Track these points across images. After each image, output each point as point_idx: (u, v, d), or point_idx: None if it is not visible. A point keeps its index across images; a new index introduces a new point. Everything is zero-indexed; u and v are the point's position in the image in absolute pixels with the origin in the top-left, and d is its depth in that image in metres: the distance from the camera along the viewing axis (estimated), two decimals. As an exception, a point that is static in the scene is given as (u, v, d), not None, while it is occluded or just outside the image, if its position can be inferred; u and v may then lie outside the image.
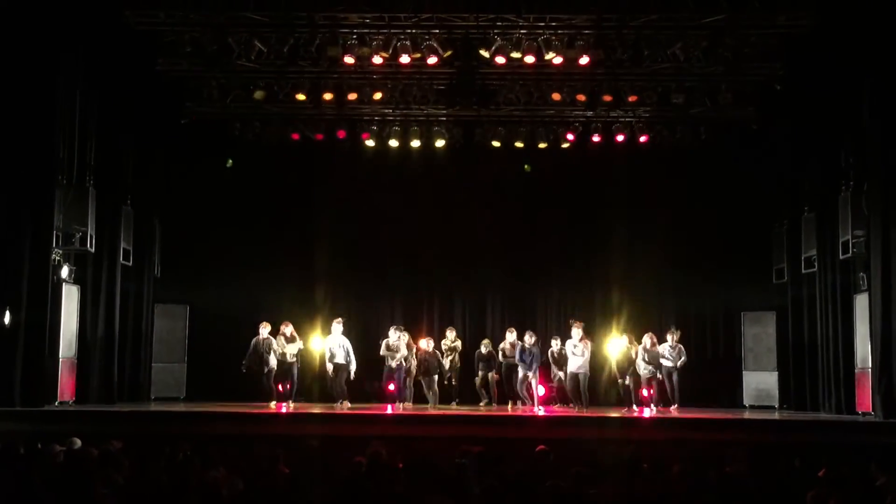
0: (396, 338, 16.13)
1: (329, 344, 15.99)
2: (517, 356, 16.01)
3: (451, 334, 17.11)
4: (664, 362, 16.04)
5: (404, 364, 16.15)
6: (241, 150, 18.48)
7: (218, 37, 15.28)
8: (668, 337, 16.27)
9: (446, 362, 16.72)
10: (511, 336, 16.44)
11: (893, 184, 13.62)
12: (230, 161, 18.82)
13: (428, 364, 16.37)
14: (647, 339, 16.01)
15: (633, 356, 15.91)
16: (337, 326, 16.04)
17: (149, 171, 17.49)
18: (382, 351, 16.17)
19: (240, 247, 18.64)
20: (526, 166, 18.93)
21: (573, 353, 15.80)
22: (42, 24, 13.79)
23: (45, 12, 13.84)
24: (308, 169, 18.92)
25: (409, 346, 16.29)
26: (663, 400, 16.03)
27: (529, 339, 16.09)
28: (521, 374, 15.98)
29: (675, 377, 16.08)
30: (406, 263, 19.06)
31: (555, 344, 16.37)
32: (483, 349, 16.70)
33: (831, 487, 6.40)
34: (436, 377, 16.47)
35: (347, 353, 15.91)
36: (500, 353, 16.51)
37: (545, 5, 14.87)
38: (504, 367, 16.51)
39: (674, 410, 15.73)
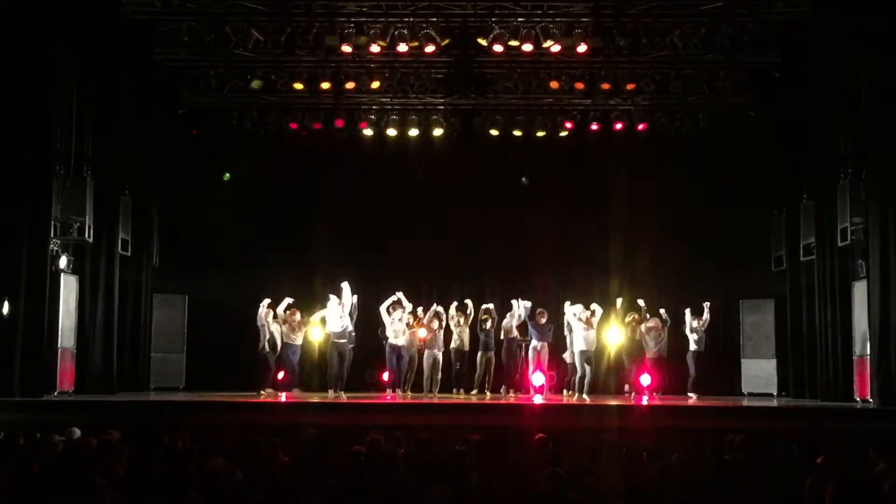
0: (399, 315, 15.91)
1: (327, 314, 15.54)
2: (532, 334, 15.82)
3: (452, 309, 16.51)
4: (692, 343, 16.05)
5: (405, 346, 15.95)
6: (239, 139, 18.45)
7: (215, 26, 15.27)
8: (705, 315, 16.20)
9: (456, 338, 16.38)
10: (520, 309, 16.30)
11: (892, 171, 13.61)
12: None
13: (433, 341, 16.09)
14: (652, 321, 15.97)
15: (643, 340, 15.82)
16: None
17: (146, 161, 17.46)
18: (383, 311, 15.79)
19: (238, 236, 18.66)
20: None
21: (581, 327, 15.50)
22: (38, 14, 13.74)
23: (40, 2, 13.79)
24: (306, 158, 18.90)
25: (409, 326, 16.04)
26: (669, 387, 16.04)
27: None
28: (531, 351, 15.79)
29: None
30: (404, 252, 19.03)
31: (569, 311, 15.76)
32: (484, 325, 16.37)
33: (830, 474, 6.40)
34: (440, 358, 16.18)
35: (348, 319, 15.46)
36: (503, 332, 16.36)
37: (543, -7, 14.88)
38: (504, 347, 16.39)
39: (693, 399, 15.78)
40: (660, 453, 7.75)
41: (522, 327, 16.22)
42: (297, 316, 15.87)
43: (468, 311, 16.46)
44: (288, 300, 15.86)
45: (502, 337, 16.31)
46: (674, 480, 6.61)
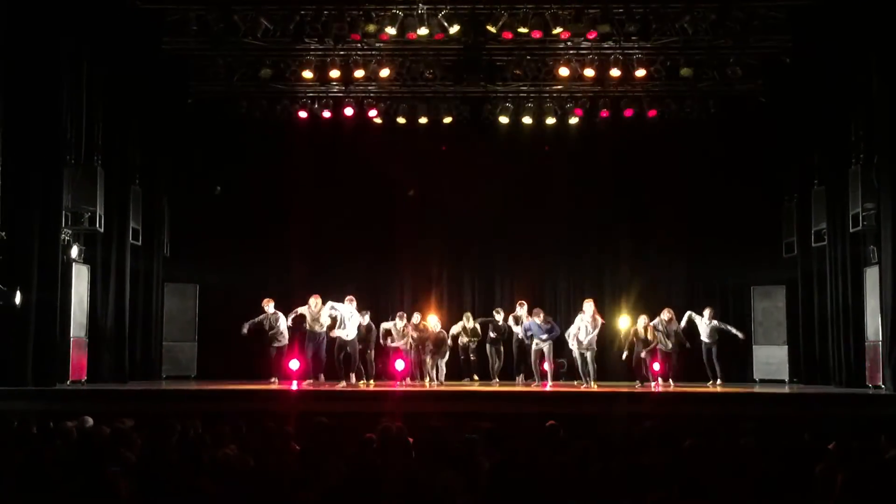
0: (402, 325, 15.97)
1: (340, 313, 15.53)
2: (533, 331, 15.86)
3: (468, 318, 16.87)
4: (704, 339, 16.01)
5: (412, 343, 15.96)
6: (249, 128, 18.45)
7: (223, 14, 15.25)
8: (705, 313, 16.17)
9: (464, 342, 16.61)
10: (521, 310, 16.35)
11: (903, 156, 13.57)
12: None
13: (437, 344, 16.16)
14: (666, 314, 15.91)
15: (650, 331, 15.78)
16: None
17: (156, 151, 17.49)
18: (382, 339, 15.88)
19: (248, 225, 18.69)
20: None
21: (584, 329, 15.65)
22: (46, 5, 13.76)
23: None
24: (315, 147, 18.88)
25: (418, 329, 16.02)
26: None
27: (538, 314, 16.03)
28: (535, 348, 15.88)
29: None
30: (414, 241, 19.05)
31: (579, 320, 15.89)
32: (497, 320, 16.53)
33: (841, 460, 6.40)
34: (444, 358, 16.28)
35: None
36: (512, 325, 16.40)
37: (552, -21, 14.82)
38: (515, 341, 16.42)
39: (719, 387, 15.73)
40: (672, 440, 7.74)
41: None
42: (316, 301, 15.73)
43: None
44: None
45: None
46: (685, 467, 6.60)
